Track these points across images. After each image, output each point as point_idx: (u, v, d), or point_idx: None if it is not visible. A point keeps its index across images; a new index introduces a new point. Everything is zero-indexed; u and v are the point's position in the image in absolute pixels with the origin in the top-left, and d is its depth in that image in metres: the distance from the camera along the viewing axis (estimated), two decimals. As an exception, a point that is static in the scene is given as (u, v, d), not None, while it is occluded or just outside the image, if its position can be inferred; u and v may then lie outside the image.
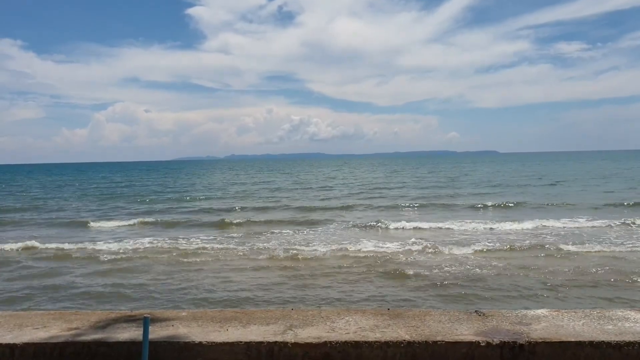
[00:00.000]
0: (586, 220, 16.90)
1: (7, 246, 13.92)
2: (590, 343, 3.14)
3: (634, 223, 15.70)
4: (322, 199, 29.11)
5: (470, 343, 3.16)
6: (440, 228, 16.27)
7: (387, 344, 3.18)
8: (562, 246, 12.15)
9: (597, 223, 16.25)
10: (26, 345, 3.27)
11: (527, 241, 13.15)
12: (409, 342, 3.18)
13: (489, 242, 13.16)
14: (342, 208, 23.49)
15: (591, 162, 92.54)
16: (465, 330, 3.35)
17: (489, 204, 22.95)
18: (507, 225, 16.17)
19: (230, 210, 23.89)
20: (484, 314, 3.71)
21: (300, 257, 11.80)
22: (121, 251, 13.16)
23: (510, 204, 22.93)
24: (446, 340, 3.19)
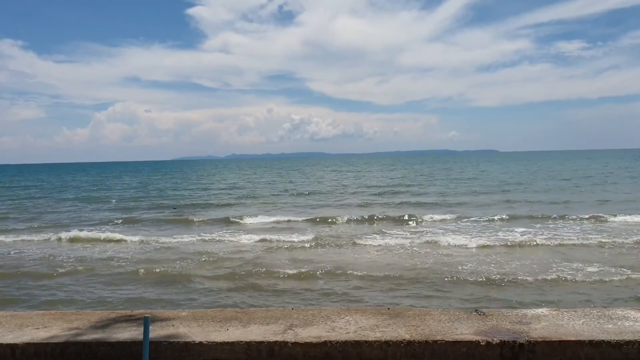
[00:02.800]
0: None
1: None
2: (590, 342, 3.14)
3: None
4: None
5: (470, 342, 3.17)
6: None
7: (387, 343, 3.19)
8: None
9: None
10: (27, 345, 3.28)
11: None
12: (409, 342, 3.19)
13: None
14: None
15: (614, 160, 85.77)
16: (465, 330, 3.35)
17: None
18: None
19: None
20: (483, 314, 3.72)
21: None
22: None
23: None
24: (446, 339, 3.19)
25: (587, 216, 16.78)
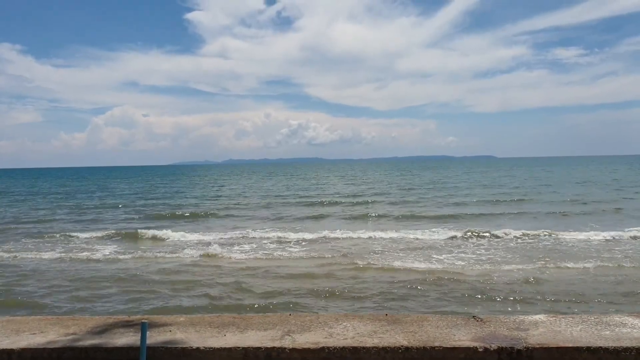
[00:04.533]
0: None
1: None
2: (588, 349, 3.14)
3: None
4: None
5: (468, 349, 3.16)
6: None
7: (384, 349, 3.18)
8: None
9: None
10: (23, 351, 3.27)
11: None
12: (406, 348, 3.18)
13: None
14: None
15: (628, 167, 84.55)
16: (462, 336, 3.35)
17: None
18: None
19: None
20: (481, 320, 3.72)
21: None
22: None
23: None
24: (444, 345, 3.19)
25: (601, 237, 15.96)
